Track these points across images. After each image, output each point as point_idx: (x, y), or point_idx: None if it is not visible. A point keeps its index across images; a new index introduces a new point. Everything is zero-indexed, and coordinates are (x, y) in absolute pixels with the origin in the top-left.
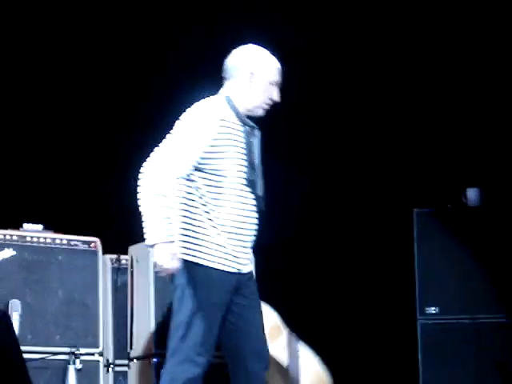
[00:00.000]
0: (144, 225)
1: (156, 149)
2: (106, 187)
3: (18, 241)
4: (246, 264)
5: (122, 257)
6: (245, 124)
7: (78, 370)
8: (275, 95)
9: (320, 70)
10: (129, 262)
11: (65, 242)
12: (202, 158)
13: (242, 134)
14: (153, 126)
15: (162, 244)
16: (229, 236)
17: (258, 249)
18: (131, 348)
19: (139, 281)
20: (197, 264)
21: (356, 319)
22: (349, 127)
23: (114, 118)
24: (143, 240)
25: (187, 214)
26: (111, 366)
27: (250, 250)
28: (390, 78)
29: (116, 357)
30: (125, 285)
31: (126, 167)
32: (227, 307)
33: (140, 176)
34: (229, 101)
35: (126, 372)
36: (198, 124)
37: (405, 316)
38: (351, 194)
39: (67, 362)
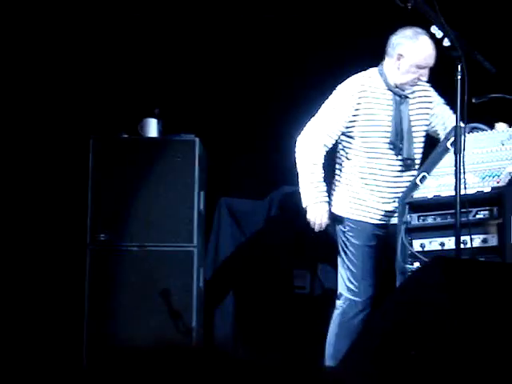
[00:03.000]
0: (300, 189)
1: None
2: None
3: None
4: (386, 215)
5: None
6: (395, 93)
7: None
8: (424, 77)
9: None
10: None
11: None
12: (347, 127)
13: (391, 102)
14: None
15: (313, 205)
16: (371, 193)
17: None
18: None
19: None
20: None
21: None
22: None
23: None
24: None
25: (340, 174)
26: None
27: (392, 205)
28: None
29: None
30: None
31: None
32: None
33: (295, 149)
34: (381, 73)
35: None
36: (338, 97)
37: (76, 243)
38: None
39: None
